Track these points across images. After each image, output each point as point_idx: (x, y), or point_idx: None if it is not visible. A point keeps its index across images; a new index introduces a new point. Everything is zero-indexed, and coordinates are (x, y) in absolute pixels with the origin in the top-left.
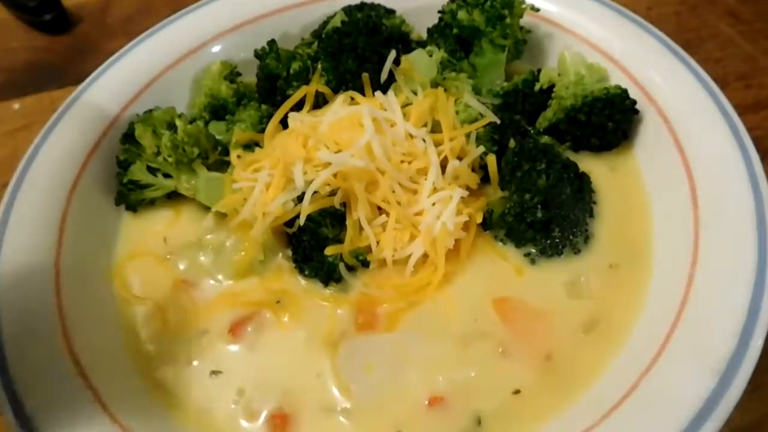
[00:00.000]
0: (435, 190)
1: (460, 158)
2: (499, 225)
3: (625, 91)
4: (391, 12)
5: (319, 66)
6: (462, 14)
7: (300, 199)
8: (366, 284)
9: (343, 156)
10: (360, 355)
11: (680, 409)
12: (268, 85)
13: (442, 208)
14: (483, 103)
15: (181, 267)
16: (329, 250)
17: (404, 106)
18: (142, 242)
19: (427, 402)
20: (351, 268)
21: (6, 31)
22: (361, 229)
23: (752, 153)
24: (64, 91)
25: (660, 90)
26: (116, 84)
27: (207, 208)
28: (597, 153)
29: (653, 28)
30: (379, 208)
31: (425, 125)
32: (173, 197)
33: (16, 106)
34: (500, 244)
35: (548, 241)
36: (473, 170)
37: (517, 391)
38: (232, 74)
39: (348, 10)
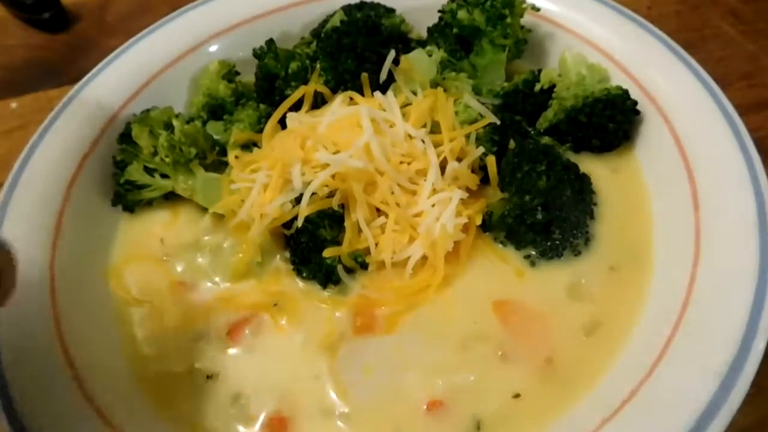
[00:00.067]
0: (434, 191)
1: (459, 159)
2: (499, 227)
3: (626, 92)
4: (390, 11)
5: (318, 66)
6: (462, 14)
7: (298, 200)
8: (365, 286)
9: (341, 157)
10: (358, 358)
11: (682, 413)
12: (266, 85)
13: (441, 209)
14: (483, 104)
15: (179, 269)
16: (327, 252)
17: (403, 106)
18: (139, 243)
19: (425, 406)
20: (349, 270)
21: (4, 29)
22: (359, 230)
23: (753, 154)
24: (61, 90)
25: (661, 91)
26: (113, 83)
27: (205, 209)
28: (598, 154)
29: (654, 28)
30: (378, 210)
31: (425, 126)
32: (170, 198)
33: (13, 104)
34: (500, 245)
35: (548, 243)
36: (473, 171)
37: (517, 395)
38: (230, 73)
39: (347, 9)
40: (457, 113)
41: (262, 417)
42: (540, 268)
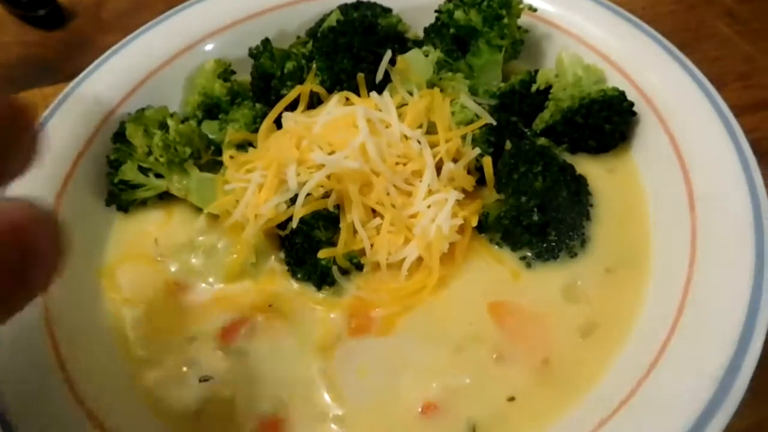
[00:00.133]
0: (430, 192)
1: (455, 160)
2: (495, 228)
3: (622, 93)
4: (387, 11)
5: (314, 65)
6: (459, 14)
7: (293, 200)
8: (360, 288)
9: (336, 157)
10: (353, 359)
11: (679, 415)
12: (262, 84)
13: (437, 210)
14: (479, 104)
15: (173, 269)
16: (322, 253)
17: (400, 106)
18: (133, 243)
19: (420, 409)
20: (345, 272)
21: None
22: (355, 231)
23: (749, 155)
24: (56, 88)
25: (657, 92)
26: (108, 81)
27: (199, 209)
28: (594, 155)
29: (650, 29)
30: (374, 211)
31: (421, 126)
32: (165, 198)
33: None
34: (496, 247)
35: (544, 245)
36: (469, 172)
37: (512, 398)
38: (226, 72)
39: (344, 8)
40: (453, 114)
41: (256, 419)
42: (536, 270)
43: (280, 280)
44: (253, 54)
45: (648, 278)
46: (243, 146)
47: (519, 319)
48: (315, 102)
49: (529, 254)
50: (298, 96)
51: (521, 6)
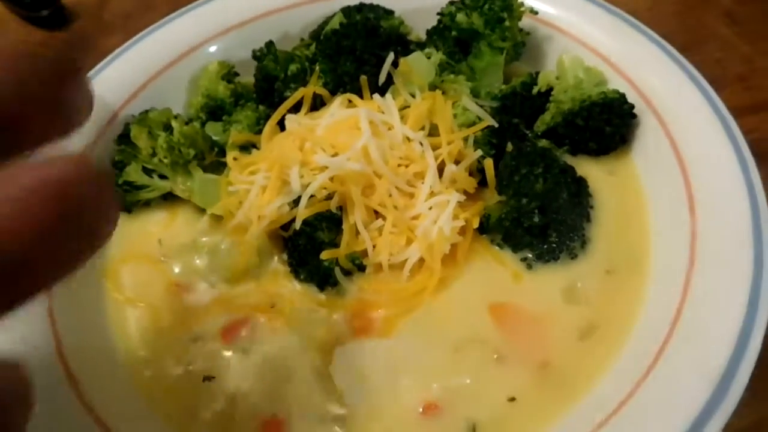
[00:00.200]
0: (432, 194)
1: (457, 162)
2: (496, 229)
3: (623, 96)
4: (389, 13)
5: (317, 68)
6: (461, 16)
7: (296, 202)
8: (362, 289)
9: (339, 160)
10: (354, 360)
11: (678, 416)
12: (265, 86)
13: (438, 212)
14: (481, 106)
15: (176, 269)
16: (325, 254)
17: (402, 108)
18: (137, 244)
19: (421, 409)
20: (347, 273)
21: (2, 27)
22: (357, 233)
23: (748, 157)
24: None
25: (657, 94)
26: (113, 83)
27: (203, 210)
28: (595, 157)
29: (651, 31)
30: (376, 212)
31: (423, 128)
32: (169, 199)
33: None
34: (497, 248)
35: (545, 246)
36: (470, 174)
37: (512, 398)
38: (229, 74)
39: (346, 11)
40: (455, 116)
41: (257, 419)
42: (536, 271)
43: (282, 280)
44: (257, 56)
45: (647, 280)
46: (246, 148)
47: (519, 320)
48: (318, 104)
49: (530, 255)
50: (302, 98)
51: (522, 8)
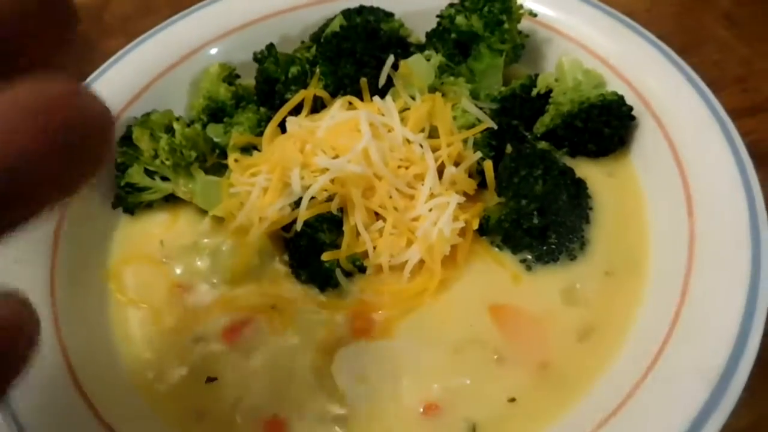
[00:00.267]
0: (432, 195)
1: (457, 164)
2: (496, 231)
3: (621, 98)
4: (389, 15)
5: (318, 70)
6: (460, 19)
7: (297, 204)
8: (362, 290)
9: (340, 162)
10: (355, 361)
11: (676, 416)
12: (266, 89)
13: (438, 213)
14: (481, 108)
15: (178, 271)
16: (326, 256)
17: (402, 110)
18: (139, 245)
19: (421, 409)
20: (348, 274)
21: None
22: (357, 234)
23: (746, 158)
24: None
25: (655, 96)
26: (114, 86)
27: (204, 212)
28: (594, 159)
29: (649, 33)
30: (377, 214)
31: (423, 130)
32: (170, 200)
33: None
34: (497, 249)
35: (544, 248)
36: (470, 176)
37: (512, 399)
38: (230, 76)
39: (347, 13)
40: (455, 118)
41: (259, 420)
42: (536, 273)
43: (283, 282)
44: (258, 58)
45: (646, 281)
46: (248, 149)
47: (519, 321)
48: (318, 106)
49: (530, 257)
50: (302, 100)
51: (521, 11)
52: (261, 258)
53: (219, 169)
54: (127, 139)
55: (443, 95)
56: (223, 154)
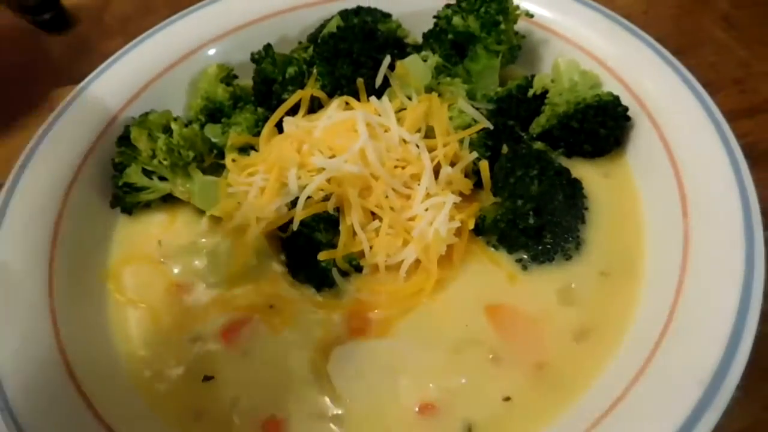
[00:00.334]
0: (428, 195)
1: (453, 164)
2: (492, 231)
3: (617, 99)
4: (387, 16)
5: (315, 70)
6: (457, 20)
7: (294, 203)
8: (359, 289)
9: (336, 161)
10: (352, 361)
11: (669, 415)
12: (264, 89)
13: (435, 213)
14: (477, 109)
15: (175, 270)
16: (323, 255)
17: (399, 111)
18: (137, 245)
19: (417, 409)
20: (344, 274)
21: (12, 32)
22: (354, 234)
23: (740, 159)
24: (61, 92)
25: (651, 97)
26: (113, 86)
27: (202, 212)
28: (590, 159)
29: (646, 35)
30: (373, 214)
31: (419, 130)
32: (168, 200)
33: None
34: (492, 249)
35: (540, 247)
36: (466, 176)
37: (507, 398)
38: (228, 77)
39: (344, 14)
40: (451, 118)
41: (256, 419)
42: (532, 273)
43: (280, 281)
44: (255, 59)
45: (641, 282)
46: (245, 150)
47: (515, 321)
48: (316, 106)
49: (525, 257)
50: (299, 100)
51: (518, 12)
52: (258, 258)
53: (217, 169)
54: (125, 139)
55: (440, 96)
56: (221, 155)
